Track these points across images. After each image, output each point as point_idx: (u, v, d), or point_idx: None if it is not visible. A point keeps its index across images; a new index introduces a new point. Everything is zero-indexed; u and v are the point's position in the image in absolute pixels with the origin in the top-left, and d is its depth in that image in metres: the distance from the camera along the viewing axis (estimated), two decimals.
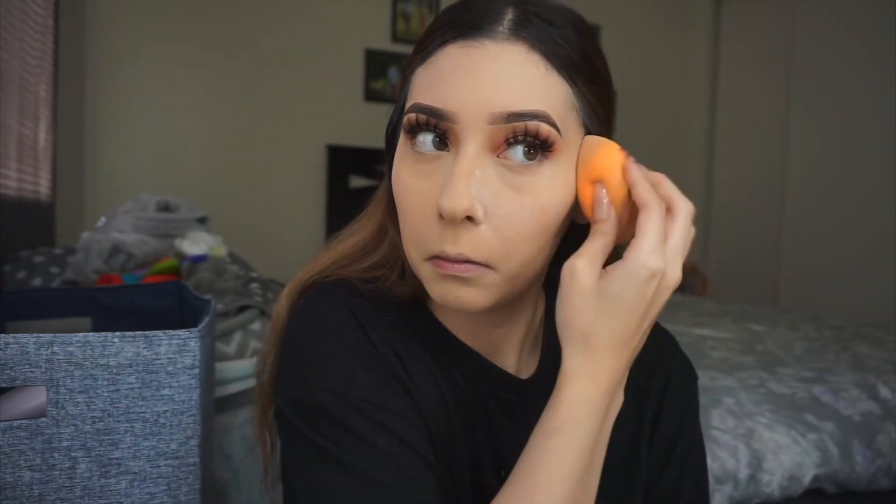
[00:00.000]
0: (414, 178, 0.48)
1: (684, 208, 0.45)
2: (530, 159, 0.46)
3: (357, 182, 3.20)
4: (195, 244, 1.50)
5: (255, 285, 1.39)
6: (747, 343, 1.92)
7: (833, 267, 3.21)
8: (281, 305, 0.57)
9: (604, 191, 0.46)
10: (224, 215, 2.57)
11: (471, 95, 0.45)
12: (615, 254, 0.47)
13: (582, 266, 0.44)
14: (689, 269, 3.93)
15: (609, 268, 0.44)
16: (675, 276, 0.44)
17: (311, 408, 0.48)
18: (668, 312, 2.55)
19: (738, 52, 3.88)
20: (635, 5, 3.94)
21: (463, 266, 0.46)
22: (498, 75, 0.45)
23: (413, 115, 0.47)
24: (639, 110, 3.92)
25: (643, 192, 0.44)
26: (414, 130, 0.47)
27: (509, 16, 0.46)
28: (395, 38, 3.34)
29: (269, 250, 2.79)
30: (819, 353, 1.79)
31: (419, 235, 0.47)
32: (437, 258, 0.46)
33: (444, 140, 0.47)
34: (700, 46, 4.05)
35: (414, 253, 0.48)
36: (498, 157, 0.46)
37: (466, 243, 0.45)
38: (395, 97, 0.54)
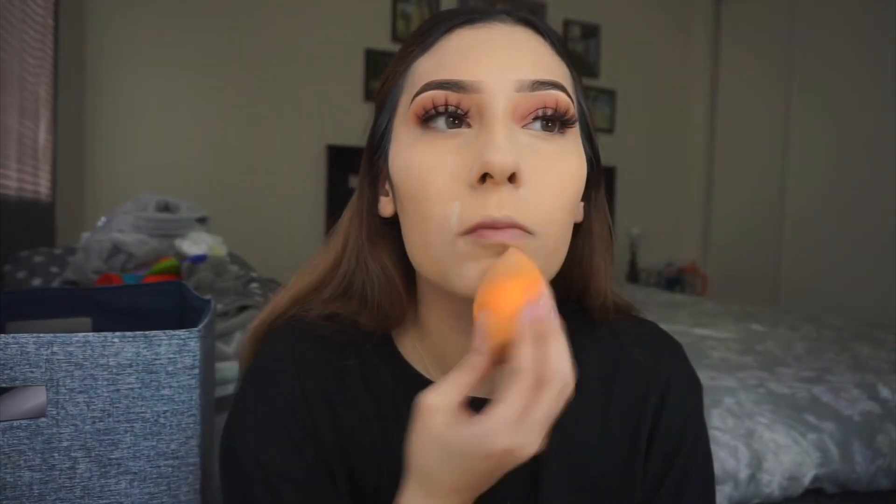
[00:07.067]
0: (434, 156, 0.45)
1: (556, 382, 0.38)
2: (549, 131, 0.46)
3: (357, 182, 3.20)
4: (195, 244, 1.50)
5: (255, 285, 1.39)
6: (747, 343, 1.92)
7: (833, 267, 3.21)
8: (244, 350, 0.57)
9: (486, 321, 0.40)
10: (224, 215, 2.56)
11: (495, 64, 0.44)
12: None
13: (432, 406, 0.39)
14: (689, 269, 3.93)
15: (462, 422, 0.39)
16: (529, 450, 0.38)
17: (234, 462, 0.50)
18: (668, 313, 2.55)
19: (738, 52, 3.87)
20: (635, 5, 3.94)
21: (511, 231, 0.43)
22: (518, 48, 0.46)
23: (430, 95, 0.44)
24: (639, 110, 3.92)
25: (518, 355, 0.38)
26: (428, 115, 0.45)
27: (508, 12, 0.49)
28: (395, 38, 3.34)
29: (269, 250, 2.79)
30: (819, 353, 1.79)
31: (447, 213, 0.44)
32: (479, 228, 0.43)
33: (460, 119, 0.45)
34: (700, 46, 4.04)
35: (439, 236, 0.44)
36: (522, 128, 0.45)
37: (512, 204, 0.43)
38: (378, 105, 0.52)
